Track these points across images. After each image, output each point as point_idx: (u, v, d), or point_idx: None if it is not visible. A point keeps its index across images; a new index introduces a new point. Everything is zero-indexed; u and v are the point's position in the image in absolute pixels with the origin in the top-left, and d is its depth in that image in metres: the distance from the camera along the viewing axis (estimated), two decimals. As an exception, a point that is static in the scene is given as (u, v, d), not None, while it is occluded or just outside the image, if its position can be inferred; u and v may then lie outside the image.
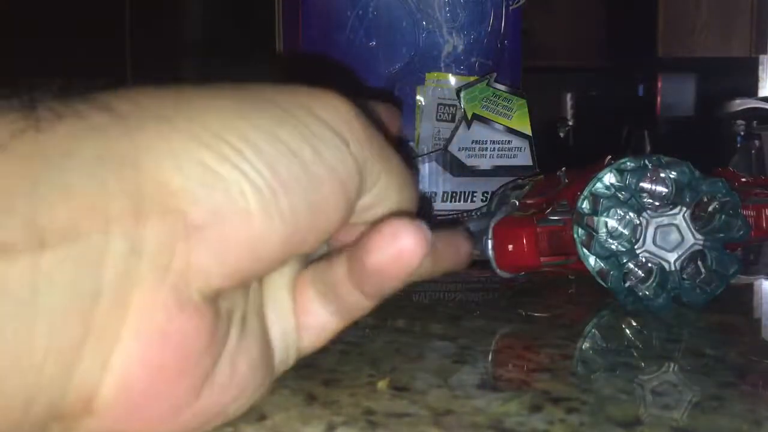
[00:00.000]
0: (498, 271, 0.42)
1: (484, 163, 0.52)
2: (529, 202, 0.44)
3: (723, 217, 0.38)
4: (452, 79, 0.55)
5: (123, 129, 0.18)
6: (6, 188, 0.16)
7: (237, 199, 0.18)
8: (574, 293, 0.44)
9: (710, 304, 0.38)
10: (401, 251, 0.20)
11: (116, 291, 0.17)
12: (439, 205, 0.53)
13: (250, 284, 0.21)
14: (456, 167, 0.52)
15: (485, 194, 0.53)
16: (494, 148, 0.52)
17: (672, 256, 0.38)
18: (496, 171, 0.52)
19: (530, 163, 0.52)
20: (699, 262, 0.38)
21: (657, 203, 0.38)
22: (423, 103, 0.56)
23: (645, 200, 0.38)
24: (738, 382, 0.27)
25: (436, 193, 0.53)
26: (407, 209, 0.23)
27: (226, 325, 0.20)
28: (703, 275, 0.38)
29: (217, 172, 0.18)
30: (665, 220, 0.37)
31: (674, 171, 0.37)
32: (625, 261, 0.37)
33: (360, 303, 0.22)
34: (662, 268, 0.37)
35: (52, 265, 0.16)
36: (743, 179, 0.46)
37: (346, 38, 0.55)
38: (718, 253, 0.38)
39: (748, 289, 0.47)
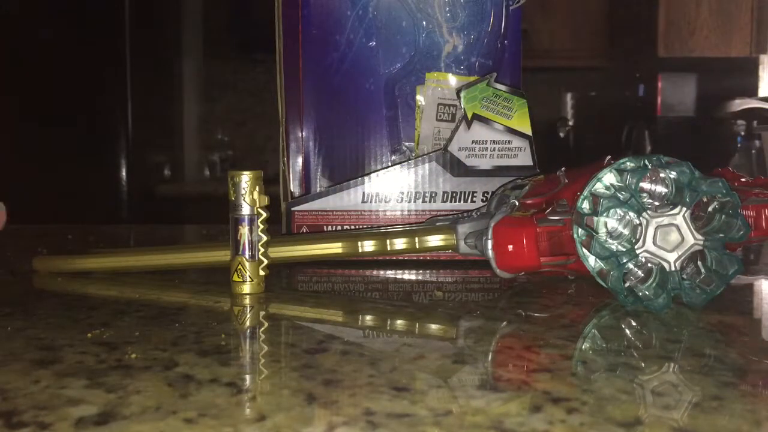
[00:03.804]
0: (498, 271, 0.42)
1: (484, 163, 0.52)
2: (529, 202, 0.44)
3: (723, 217, 0.38)
4: (452, 79, 0.55)
5: None
6: None
7: None
8: (574, 293, 0.44)
9: (710, 304, 0.38)
10: None
11: None
12: (439, 205, 0.53)
13: None
14: (456, 167, 0.52)
15: (485, 194, 0.53)
16: (494, 148, 0.52)
17: (672, 256, 0.38)
18: (496, 171, 0.52)
19: (530, 163, 0.52)
20: (699, 262, 0.38)
21: (657, 203, 0.38)
22: (423, 103, 0.56)
23: (645, 200, 0.38)
24: (738, 382, 0.27)
25: (436, 193, 0.53)
26: None
27: None
28: (703, 275, 0.38)
29: None
30: (665, 220, 0.37)
31: (674, 171, 0.37)
32: (625, 261, 0.37)
33: None
34: (662, 268, 0.37)
35: None
36: (743, 179, 0.46)
37: (346, 38, 0.55)
38: (718, 253, 0.38)
39: (748, 289, 0.47)
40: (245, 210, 0.42)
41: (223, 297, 0.42)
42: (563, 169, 0.44)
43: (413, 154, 0.56)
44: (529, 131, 0.52)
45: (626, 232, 0.37)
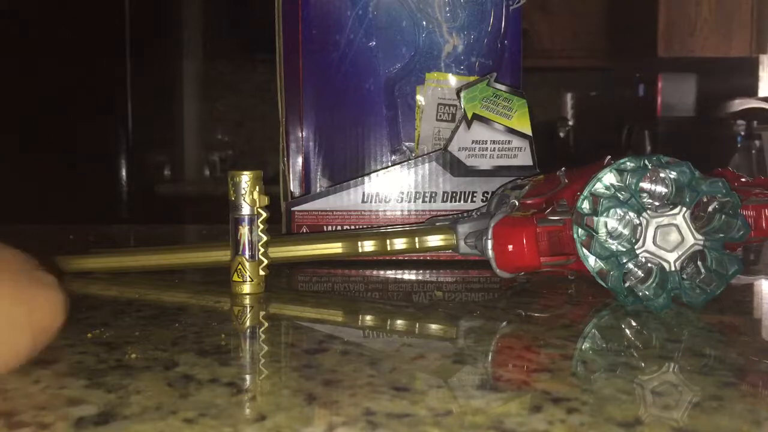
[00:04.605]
0: (498, 271, 0.42)
1: (484, 163, 0.52)
2: (529, 202, 0.44)
3: (723, 217, 0.38)
4: (452, 79, 0.55)
5: None
6: None
7: None
8: (574, 293, 0.44)
9: (710, 304, 0.38)
10: None
11: None
12: (439, 205, 0.53)
13: None
14: (456, 167, 0.52)
15: (485, 194, 0.53)
16: (494, 148, 0.52)
17: (672, 256, 0.38)
18: (496, 171, 0.52)
19: (530, 163, 0.52)
20: (699, 262, 0.38)
21: (657, 203, 0.38)
22: (423, 103, 0.56)
23: (645, 200, 0.38)
24: (738, 382, 0.27)
25: (436, 193, 0.53)
26: None
27: None
28: (703, 275, 0.38)
29: None
30: (665, 220, 0.37)
31: (674, 171, 0.37)
32: (625, 261, 0.37)
33: None
34: (662, 268, 0.37)
35: None
36: (743, 179, 0.46)
37: (346, 38, 0.55)
38: (718, 253, 0.38)
39: (748, 289, 0.47)
40: (245, 210, 0.42)
41: (223, 297, 0.42)
42: (563, 169, 0.44)
43: (413, 154, 0.56)
44: (529, 131, 0.52)
45: (626, 232, 0.37)
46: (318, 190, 0.56)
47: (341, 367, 0.28)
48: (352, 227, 0.53)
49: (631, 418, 0.23)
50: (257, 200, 0.42)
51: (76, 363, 0.29)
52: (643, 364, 0.29)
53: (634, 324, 0.36)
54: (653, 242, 0.37)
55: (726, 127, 2.39)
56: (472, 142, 0.52)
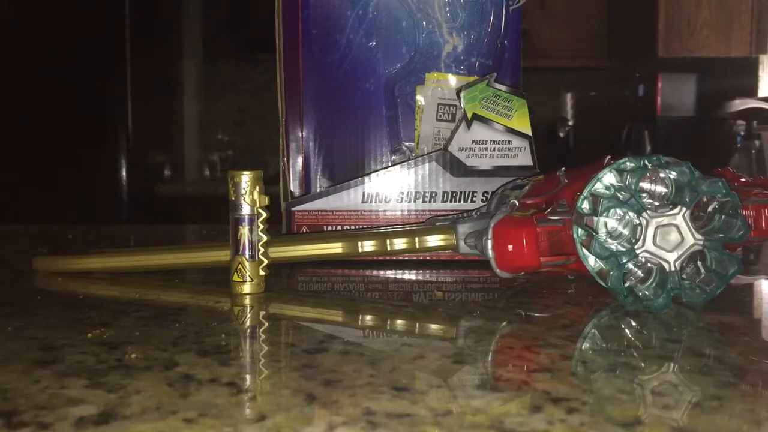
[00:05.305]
0: (498, 271, 0.42)
1: (484, 163, 0.52)
2: (529, 202, 0.44)
3: (723, 217, 0.38)
4: (452, 79, 0.55)
5: None
6: None
7: None
8: (574, 293, 0.44)
9: (710, 304, 0.38)
10: None
11: None
12: (439, 205, 0.53)
13: None
14: (456, 167, 0.52)
15: (485, 194, 0.53)
16: (494, 148, 0.52)
17: (672, 256, 0.38)
18: (496, 171, 0.52)
19: (530, 163, 0.52)
20: (699, 262, 0.38)
21: (657, 203, 0.38)
22: (423, 103, 0.56)
23: (645, 200, 0.38)
24: (738, 382, 0.27)
25: (436, 193, 0.53)
26: None
27: None
28: (702, 275, 0.38)
29: None
30: (665, 220, 0.37)
31: (674, 171, 0.37)
32: (624, 261, 0.37)
33: None
34: (662, 268, 0.37)
35: None
36: (743, 179, 0.46)
37: (346, 38, 0.55)
38: (718, 253, 0.38)
39: (748, 289, 0.47)
40: (245, 210, 0.42)
41: (223, 297, 0.42)
42: (563, 169, 0.44)
43: (413, 154, 0.56)
44: (529, 131, 0.52)
45: (626, 232, 0.37)
46: (318, 190, 0.56)
47: (341, 367, 0.28)
48: (352, 227, 0.53)
49: (631, 418, 0.23)
50: (257, 200, 0.42)
51: (76, 363, 0.29)
52: (643, 364, 0.29)
53: (634, 324, 0.36)
54: (653, 242, 0.37)
55: (726, 127, 2.39)
56: (472, 142, 0.52)
